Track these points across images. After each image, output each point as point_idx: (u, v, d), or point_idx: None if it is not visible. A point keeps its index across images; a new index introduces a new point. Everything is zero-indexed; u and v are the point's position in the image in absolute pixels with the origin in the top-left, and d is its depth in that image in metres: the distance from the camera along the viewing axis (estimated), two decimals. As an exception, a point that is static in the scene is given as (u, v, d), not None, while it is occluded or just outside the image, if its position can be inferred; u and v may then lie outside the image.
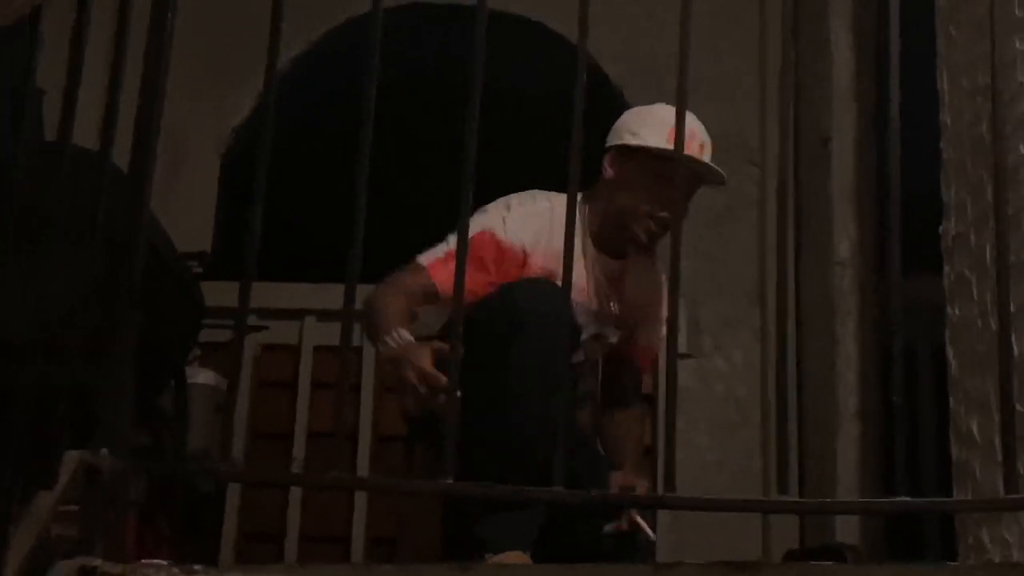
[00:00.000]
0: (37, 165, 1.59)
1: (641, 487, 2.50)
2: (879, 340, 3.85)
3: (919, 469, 3.91)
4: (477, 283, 2.24)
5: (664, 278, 2.71)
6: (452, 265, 2.26)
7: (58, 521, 1.39)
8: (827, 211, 4.04)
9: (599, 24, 4.37)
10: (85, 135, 1.61)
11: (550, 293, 2.15)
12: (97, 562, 1.30)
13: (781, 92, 1.69)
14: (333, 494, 4.14)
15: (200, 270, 3.67)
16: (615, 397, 2.80)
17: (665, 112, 2.42)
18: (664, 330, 2.72)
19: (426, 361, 2.14)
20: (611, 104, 4.67)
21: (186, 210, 4.27)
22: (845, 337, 3.86)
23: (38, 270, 1.56)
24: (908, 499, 1.51)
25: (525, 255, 2.44)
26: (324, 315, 4.26)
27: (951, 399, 2.65)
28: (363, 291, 4.21)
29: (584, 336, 2.50)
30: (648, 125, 2.51)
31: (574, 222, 1.55)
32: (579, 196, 2.50)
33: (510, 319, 2.17)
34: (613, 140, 2.59)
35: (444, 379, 2.12)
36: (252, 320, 4.23)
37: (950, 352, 2.69)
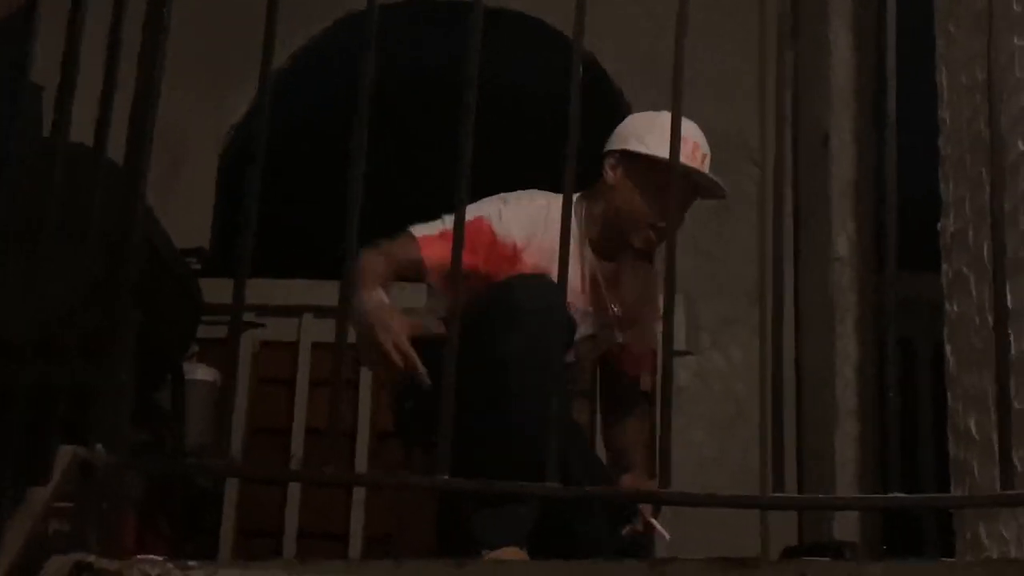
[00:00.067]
0: (37, 162, 1.59)
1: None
2: (878, 338, 3.84)
3: (918, 466, 3.92)
4: (464, 265, 2.20)
5: (660, 282, 2.71)
6: (443, 244, 2.27)
7: (56, 517, 1.39)
8: (826, 209, 4.04)
9: (599, 22, 4.37)
10: (85, 133, 1.61)
11: (546, 289, 2.14)
12: (92, 558, 1.29)
13: (778, 88, 1.68)
14: (331, 491, 4.14)
15: (198, 267, 3.67)
16: (619, 406, 2.80)
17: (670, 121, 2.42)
18: (658, 333, 2.73)
19: (403, 329, 2.13)
20: (610, 102, 4.68)
21: (185, 207, 4.27)
22: (844, 335, 3.86)
23: (36, 268, 1.56)
24: (904, 495, 1.51)
25: (516, 251, 2.42)
26: (322, 312, 4.25)
27: (949, 396, 2.65)
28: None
29: (576, 337, 2.48)
30: (654, 133, 2.48)
31: (569, 218, 1.54)
32: (577, 196, 2.52)
33: (506, 315, 2.16)
34: (617, 144, 2.57)
35: (415, 359, 2.11)
36: (250, 317, 4.23)
37: (948, 349, 2.69)
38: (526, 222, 2.45)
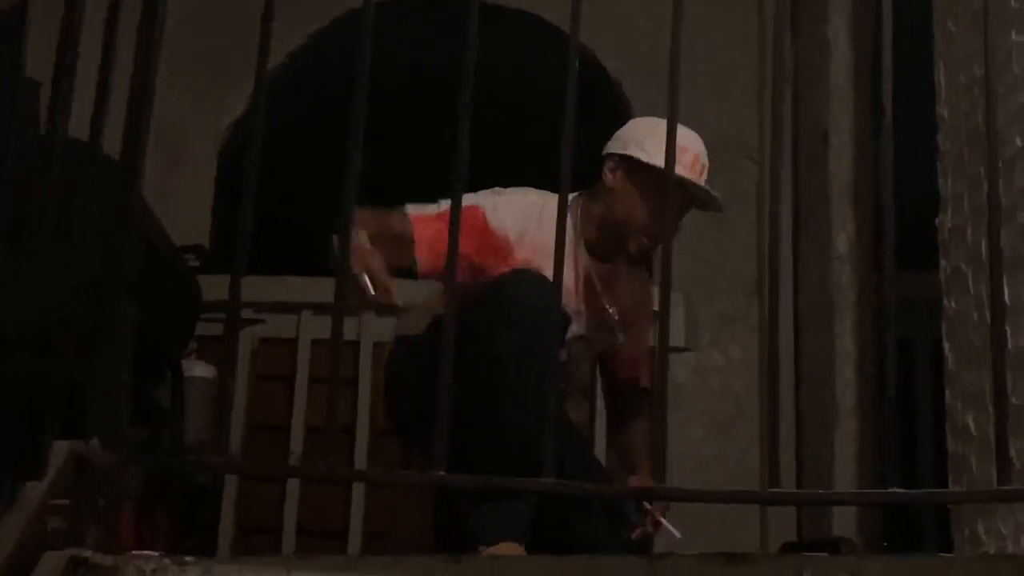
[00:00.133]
0: (34, 158, 1.59)
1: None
2: (878, 336, 3.84)
3: (917, 463, 3.92)
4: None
5: (654, 288, 2.72)
6: (436, 224, 2.28)
7: (55, 514, 1.39)
8: (826, 208, 4.04)
9: (599, 20, 4.39)
10: (84, 130, 1.61)
11: (541, 286, 2.14)
12: (87, 553, 1.29)
13: (774, 85, 1.68)
14: (330, 488, 4.15)
15: (197, 264, 3.67)
16: (620, 406, 2.81)
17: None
18: (649, 339, 2.74)
19: (378, 264, 2.12)
20: (610, 100, 4.68)
21: (184, 205, 4.28)
22: (843, 333, 3.86)
23: (31, 264, 1.56)
24: (902, 490, 1.51)
25: (508, 243, 2.41)
26: (321, 309, 4.26)
27: (947, 393, 2.65)
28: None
29: (568, 336, 2.48)
30: (655, 140, 2.44)
31: (565, 216, 1.54)
32: (573, 196, 2.52)
33: (501, 312, 2.16)
34: (617, 148, 2.56)
35: (386, 282, 2.09)
36: (249, 314, 4.24)
37: (947, 346, 2.69)
38: (519, 216, 2.44)
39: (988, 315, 2.34)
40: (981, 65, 2.45)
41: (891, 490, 1.56)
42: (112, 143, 1.56)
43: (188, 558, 1.34)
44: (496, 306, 2.18)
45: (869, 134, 3.99)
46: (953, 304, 2.66)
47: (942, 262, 2.71)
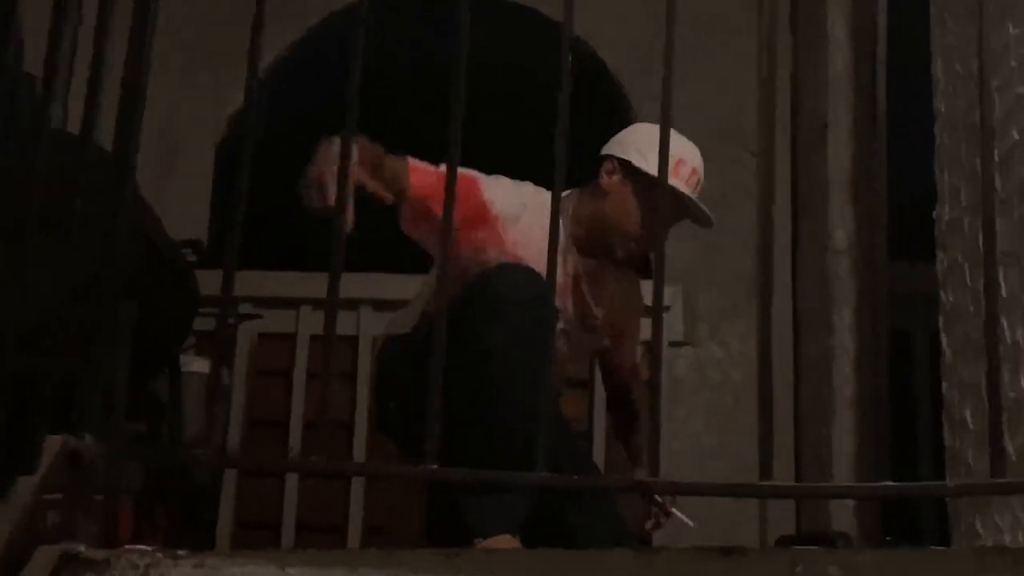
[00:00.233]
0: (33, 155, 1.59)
1: None
2: (875, 329, 3.84)
3: (916, 457, 3.92)
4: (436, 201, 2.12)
5: (642, 296, 2.73)
6: (432, 180, 2.28)
7: (53, 509, 1.39)
8: (824, 199, 4.04)
9: (598, 15, 4.37)
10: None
11: (528, 280, 2.14)
12: (80, 548, 1.29)
13: (768, 78, 1.68)
14: (329, 483, 4.15)
15: (195, 258, 3.67)
16: (622, 407, 2.82)
17: (674, 140, 2.41)
18: (639, 349, 2.74)
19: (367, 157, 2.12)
20: (610, 95, 4.67)
21: (182, 199, 4.28)
22: (841, 325, 3.86)
23: (26, 259, 1.56)
24: (901, 483, 1.51)
25: (500, 221, 2.41)
26: (320, 304, 4.24)
27: (944, 386, 2.65)
28: (365, 279, 4.22)
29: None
30: (656, 149, 2.47)
31: (559, 200, 1.54)
32: (567, 192, 2.52)
33: (490, 306, 2.16)
34: (618, 151, 2.56)
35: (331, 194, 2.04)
36: (248, 309, 4.24)
37: (944, 339, 2.69)
38: (515, 199, 2.45)
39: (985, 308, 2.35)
40: (977, 58, 2.46)
41: (886, 483, 1.56)
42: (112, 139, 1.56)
43: (181, 552, 1.34)
44: (484, 302, 2.17)
45: (868, 126, 3.99)
46: (950, 297, 2.66)
47: (939, 255, 2.72)
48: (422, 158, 2.39)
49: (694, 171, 2.52)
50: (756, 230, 4.42)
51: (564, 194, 2.48)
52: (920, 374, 4.02)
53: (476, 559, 1.55)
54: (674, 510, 2.56)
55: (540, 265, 1.66)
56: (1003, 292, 2.29)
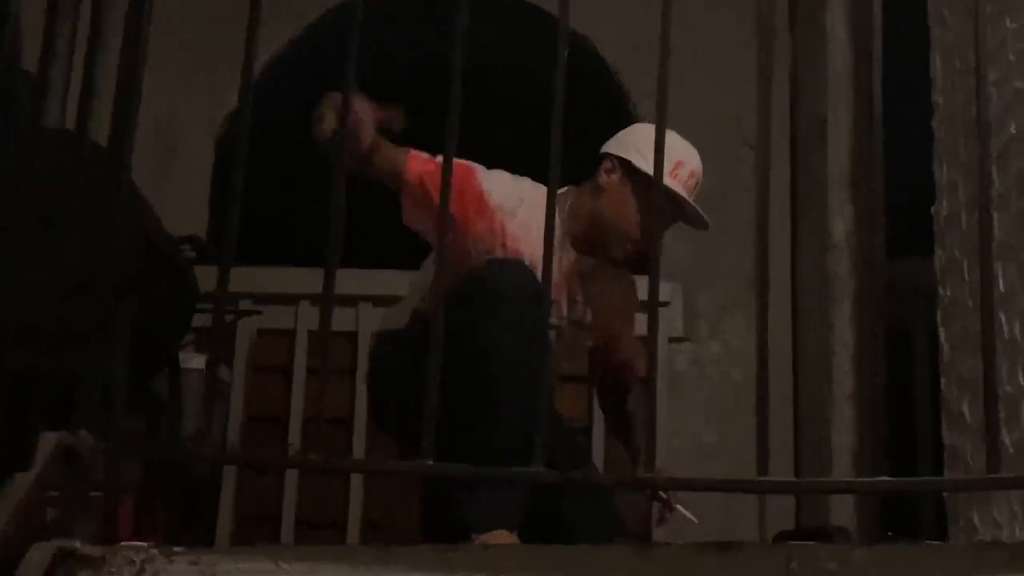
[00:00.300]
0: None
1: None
2: (874, 323, 3.84)
3: (916, 452, 3.92)
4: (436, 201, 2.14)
5: (636, 296, 2.73)
6: (431, 167, 2.31)
7: (53, 506, 1.39)
8: (823, 194, 4.03)
9: (599, 11, 4.36)
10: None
11: (523, 276, 2.14)
12: (76, 544, 1.29)
13: (764, 74, 1.68)
14: (329, 479, 4.15)
15: (193, 255, 3.67)
16: (622, 416, 2.81)
17: (673, 143, 2.44)
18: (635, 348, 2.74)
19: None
20: (610, 92, 4.67)
21: (181, 195, 4.28)
22: (840, 320, 3.86)
23: (24, 257, 1.56)
24: (891, 479, 1.51)
25: (493, 210, 2.42)
26: (319, 300, 4.25)
27: (943, 381, 2.65)
28: (364, 275, 4.22)
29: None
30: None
31: (554, 206, 1.54)
32: (565, 189, 2.52)
33: (484, 302, 2.16)
34: (618, 150, 2.57)
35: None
36: (247, 305, 4.24)
37: (942, 334, 2.69)
38: (513, 192, 2.46)
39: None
40: (974, 52, 2.46)
41: (884, 478, 1.56)
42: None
43: (176, 548, 1.35)
44: (479, 297, 2.18)
45: (868, 124, 3.99)
46: (948, 292, 2.66)
47: (937, 250, 2.71)
48: (419, 148, 2.40)
49: (692, 174, 2.53)
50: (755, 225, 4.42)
51: (561, 190, 2.49)
52: (920, 369, 4.02)
53: (473, 555, 1.55)
54: (678, 507, 2.56)
55: (537, 260, 1.66)
56: (1000, 287, 2.29)
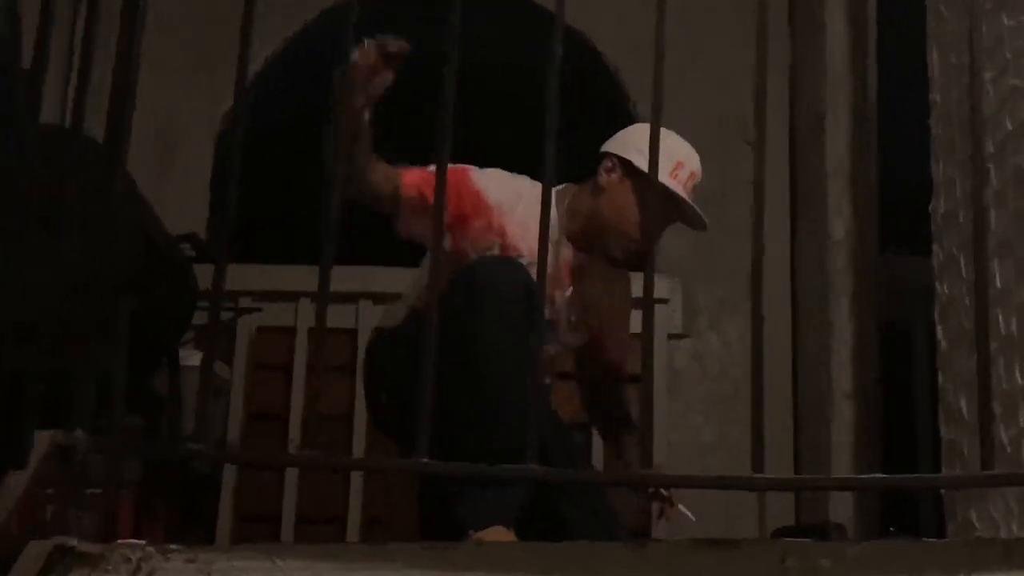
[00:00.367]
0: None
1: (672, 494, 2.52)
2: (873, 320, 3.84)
3: (915, 449, 3.92)
4: (430, 191, 2.12)
5: (631, 295, 2.72)
6: (424, 176, 2.31)
7: (52, 504, 1.40)
8: (822, 191, 4.03)
9: (597, 9, 4.36)
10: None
11: (515, 273, 2.14)
12: (73, 542, 1.30)
13: (760, 69, 1.68)
14: (329, 476, 4.16)
15: (193, 253, 3.68)
16: (608, 415, 2.80)
17: (674, 144, 2.46)
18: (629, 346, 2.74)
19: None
20: (609, 89, 4.67)
21: (180, 197, 4.28)
22: (839, 317, 3.86)
23: (21, 256, 1.56)
24: (887, 475, 1.51)
25: (489, 208, 2.42)
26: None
27: (940, 377, 2.66)
28: (364, 272, 4.21)
29: None
30: (660, 152, 2.47)
31: (549, 204, 1.55)
32: (563, 187, 2.53)
33: (475, 300, 2.16)
34: (619, 149, 2.56)
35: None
36: (247, 302, 4.24)
37: (940, 331, 2.69)
38: (510, 190, 2.46)
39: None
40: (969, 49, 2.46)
41: (880, 475, 1.56)
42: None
43: (173, 546, 1.35)
44: (467, 293, 2.18)
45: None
46: (946, 289, 2.66)
47: (935, 247, 2.72)
48: (420, 159, 2.40)
49: (692, 175, 2.54)
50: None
51: (559, 188, 2.49)
52: (920, 366, 4.02)
53: (469, 552, 1.55)
54: (680, 507, 2.56)
55: (535, 257, 1.66)
56: (997, 283, 2.29)
